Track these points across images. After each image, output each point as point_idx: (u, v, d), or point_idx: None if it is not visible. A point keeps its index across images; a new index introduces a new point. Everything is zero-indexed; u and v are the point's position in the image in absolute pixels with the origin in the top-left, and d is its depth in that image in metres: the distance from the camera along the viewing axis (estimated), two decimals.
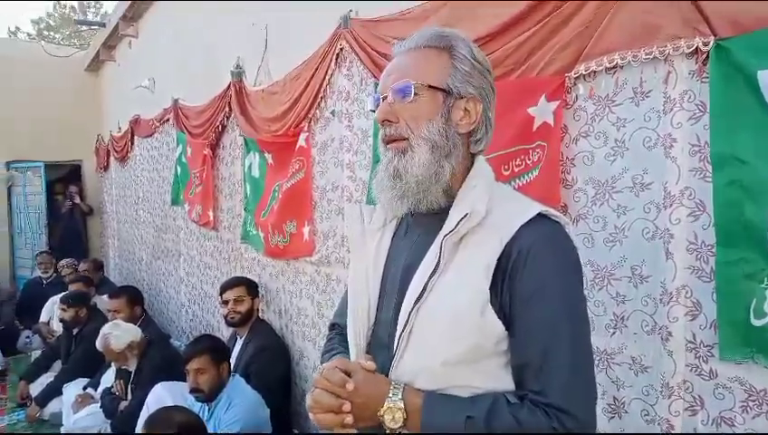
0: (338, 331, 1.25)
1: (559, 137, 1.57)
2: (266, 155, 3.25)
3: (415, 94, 0.99)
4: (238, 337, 3.28)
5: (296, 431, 3.11)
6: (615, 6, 1.41)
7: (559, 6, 1.52)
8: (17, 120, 7.50)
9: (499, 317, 0.92)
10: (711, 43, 1.24)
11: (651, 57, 1.35)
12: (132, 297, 4.09)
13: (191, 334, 4.70)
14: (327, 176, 2.73)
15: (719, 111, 1.24)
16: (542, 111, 1.59)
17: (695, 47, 1.27)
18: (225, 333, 3.54)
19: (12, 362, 5.25)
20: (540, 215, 0.95)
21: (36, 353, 4.99)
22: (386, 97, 1.02)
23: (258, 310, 3.32)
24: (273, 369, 3.01)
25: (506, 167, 1.64)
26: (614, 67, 1.44)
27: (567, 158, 1.57)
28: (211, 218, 4.11)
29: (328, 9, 2.54)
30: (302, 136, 2.86)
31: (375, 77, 2.22)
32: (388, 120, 1.01)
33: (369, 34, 2.26)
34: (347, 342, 1.12)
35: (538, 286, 0.91)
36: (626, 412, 1.47)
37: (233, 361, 3.01)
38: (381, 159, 1.05)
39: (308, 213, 2.88)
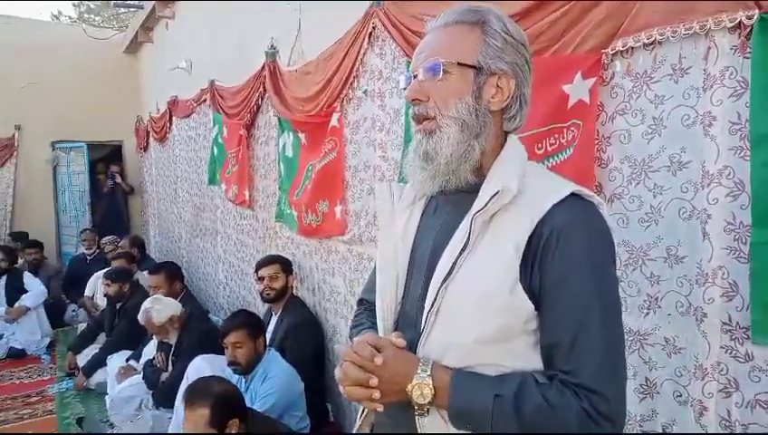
0: (366, 306, 1.27)
1: (595, 115, 1.54)
2: (300, 135, 3.29)
3: (444, 72, 0.97)
4: (273, 313, 3.36)
5: (329, 406, 3.19)
6: None
7: None
8: (61, 102, 7.72)
9: (529, 297, 0.91)
10: (755, 17, 1.20)
11: (691, 32, 1.31)
12: (171, 273, 4.21)
13: (228, 310, 4.83)
14: (359, 155, 2.75)
15: (761, 88, 1.20)
16: (578, 88, 1.56)
17: (737, 21, 1.23)
18: (260, 308, 3.63)
19: (60, 333, 5.51)
20: (573, 194, 0.94)
21: (82, 326, 5.20)
22: (416, 75, 1.01)
23: (292, 287, 3.39)
24: (307, 344, 3.09)
25: (540, 145, 1.62)
26: (652, 43, 1.40)
27: (603, 136, 1.55)
28: (247, 197, 4.18)
29: None
30: (335, 116, 2.87)
31: (407, 56, 2.22)
32: (418, 99, 1.01)
33: (401, 13, 2.25)
34: (375, 317, 1.13)
35: (569, 267, 0.90)
36: (658, 393, 1.46)
37: (268, 336, 3.10)
38: (412, 140, 1.05)
39: (340, 192, 2.91)
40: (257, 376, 2.66)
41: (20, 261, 5.79)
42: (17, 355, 4.89)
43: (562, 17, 1.57)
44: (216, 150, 4.75)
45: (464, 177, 1.00)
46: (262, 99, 3.82)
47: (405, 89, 1.06)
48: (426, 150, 1.00)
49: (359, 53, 2.60)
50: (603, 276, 0.93)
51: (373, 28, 2.48)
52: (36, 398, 4.07)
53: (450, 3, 1.92)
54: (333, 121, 2.89)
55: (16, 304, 5.09)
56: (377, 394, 0.93)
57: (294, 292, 3.43)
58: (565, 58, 1.57)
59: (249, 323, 2.73)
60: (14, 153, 7.72)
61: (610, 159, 1.54)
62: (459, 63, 0.98)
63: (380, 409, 0.95)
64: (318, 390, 3.09)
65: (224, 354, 2.75)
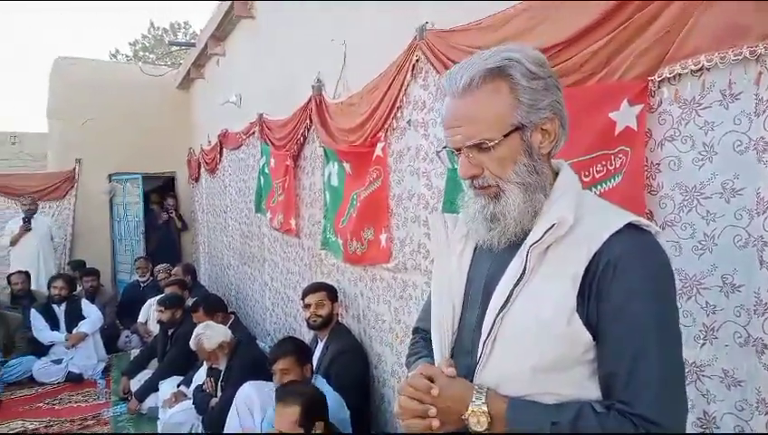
0: (422, 335, 1.28)
1: (643, 141, 1.53)
2: (345, 164, 3.36)
3: (492, 147, 0.98)
4: (319, 340, 3.40)
5: (373, 433, 3.17)
6: (698, 9, 1.36)
7: (640, 9, 1.49)
8: (118, 136, 8.13)
9: (586, 327, 0.92)
10: None
11: (741, 58, 1.29)
12: (208, 309, 4.23)
13: (275, 336, 4.90)
14: (403, 184, 2.79)
15: None
16: (625, 115, 1.55)
17: None
18: (306, 335, 3.68)
19: (114, 359, 5.69)
20: (630, 224, 0.94)
21: (135, 352, 5.37)
22: (461, 152, 1.01)
23: (338, 314, 3.42)
24: (353, 371, 3.10)
25: (587, 173, 1.62)
26: (700, 69, 1.39)
27: (652, 163, 1.53)
28: (293, 226, 4.27)
29: (405, 22, 2.60)
30: (379, 145, 2.93)
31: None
32: (474, 175, 1.02)
33: (444, 44, 2.30)
34: (431, 346, 1.15)
35: (627, 296, 0.90)
36: (717, 428, 1.41)
37: (314, 362, 3.13)
38: (470, 198, 1.06)
39: (385, 220, 2.95)
40: None
41: (78, 288, 6.06)
42: (75, 379, 5.08)
43: (607, 45, 1.57)
44: (262, 180, 4.90)
45: (527, 222, 1.01)
46: (308, 130, 3.94)
47: (449, 151, 1.06)
48: (493, 213, 1.01)
49: (402, 84, 2.66)
50: (661, 306, 0.92)
51: (416, 60, 2.54)
52: (92, 421, 4.21)
53: (491, 34, 1.97)
54: (378, 151, 2.95)
55: (75, 331, 5.30)
56: (436, 422, 0.95)
57: (340, 319, 3.47)
58: (611, 85, 1.58)
59: (297, 349, 2.78)
60: (75, 185, 8.13)
61: (661, 185, 1.52)
62: (510, 130, 0.98)
63: None
64: (363, 417, 3.09)
65: (272, 380, 2.79)
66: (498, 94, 0.97)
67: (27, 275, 6.03)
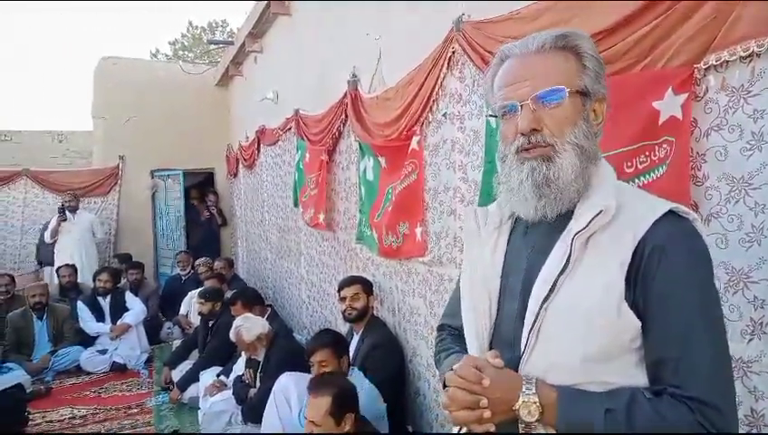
0: (449, 331, 1.27)
1: (688, 131, 1.49)
2: (380, 159, 3.37)
3: (563, 100, 0.98)
4: (354, 333, 3.43)
5: (410, 428, 3.18)
6: None
7: None
8: (159, 133, 8.37)
9: (634, 313, 0.92)
10: None
11: None
12: (246, 302, 4.32)
13: (311, 329, 4.97)
14: (439, 177, 2.78)
15: None
16: (669, 104, 1.51)
17: None
18: (342, 328, 3.71)
19: (156, 349, 5.85)
20: (671, 211, 0.94)
21: (176, 343, 5.51)
22: (524, 105, 0.99)
23: (373, 307, 3.45)
24: (388, 365, 3.12)
25: (630, 164, 1.58)
26: (749, 56, 1.34)
27: (697, 153, 1.49)
28: (321, 221, 4.29)
29: (440, 15, 2.59)
30: (415, 139, 2.93)
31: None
32: (534, 129, 0.99)
33: (481, 36, 2.28)
34: (460, 342, 1.15)
35: (673, 282, 0.90)
36: (765, 425, 1.36)
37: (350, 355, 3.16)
38: (514, 168, 1.03)
39: (420, 214, 2.95)
40: None
41: (122, 281, 6.26)
42: (119, 369, 5.26)
43: (651, 32, 1.53)
44: (297, 175, 4.96)
45: (575, 201, 1.00)
46: (343, 125, 3.96)
47: (494, 116, 1.08)
48: (546, 176, 0.99)
49: (438, 76, 2.65)
50: (706, 291, 0.93)
51: (453, 52, 2.53)
52: (136, 410, 4.35)
53: (528, 25, 1.94)
54: (413, 145, 2.95)
55: (119, 322, 5.50)
56: (487, 413, 0.94)
57: (375, 312, 3.49)
58: (655, 73, 1.54)
59: (334, 342, 2.81)
60: (118, 181, 8.41)
61: (706, 176, 1.47)
62: (576, 91, 0.99)
63: (492, 429, 0.96)
64: (399, 411, 3.10)
65: (308, 372, 2.83)
66: (567, 60, 1.01)
67: (74, 268, 6.27)
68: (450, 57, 2.55)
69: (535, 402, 0.93)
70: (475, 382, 0.95)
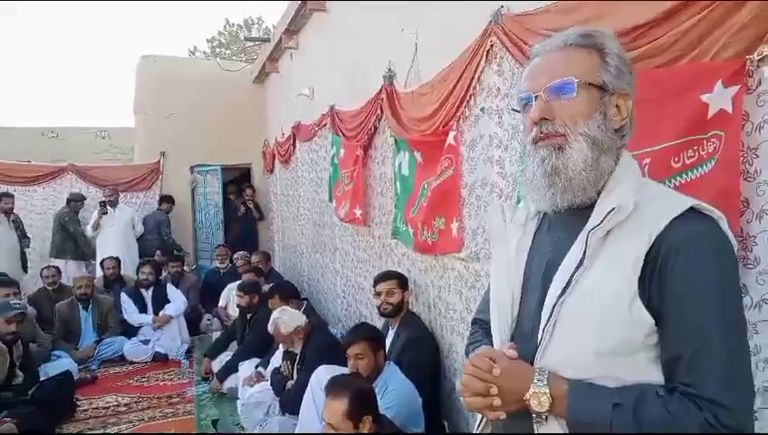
0: (480, 325, 1.31)
1: (739, 125, 1.43)
2: (416, 154, 3.37)
3: (574, 92, 1.00)
4: (390, 328, 3.44)
5: (446, 423, 3.18)
6: None
7: None
8: (198, 129, 8.55)
9: (648, 311, 0.92)
10: None
11: None
12: (284, 295, 4.38)
13: (346, 323, 5.01)
14: (476, 172, 2.76)
15: None
16: (718, 97, 1.46)
17: None
18: (377, 322, 3.73)
19: (196, 340, 6.01)
20: (692, 209, 0.94)
21: (216, 334, 5.66)
22: (538, 96, 1.03)
23: (408, 303, 3.45)
24: (424, 360, 3.12)
25: (676, 159, 1.53)
26: None
27: (749, 148, 1.43)
28: (358, 215, 4.31)
29: (476, 9, 2.56)
30: (451, 134, 2.92)
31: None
32: (545, 118, 1.02)
33: (520, 28, 2.24)
34: (490, 336, 1.18)
35: (689, 280, 0.90)
36: None
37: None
38: (530, 157, 1.07)
39: (456, 209, 2.93)
40: (377, 388, 2.73)
41: (163, 274, 6.44)
42: (161, 359, 5.41)
43: (699, 23, 1.48)
44: (331, 170, 5.00)
45: (589, 193, 1.01)
46: (379, 120, 3.97)
47: (517, 110, 1.11)
48: (555, 165, 1.01)
49: (476, 70, 2.63)
50: (726, 290, 0.92)
51: (491, 46, 2.50)
52: (177, 399, 4.47)
53: (568, 16, 1.90)
54: (450, 140, 2.93)
55: (161, 313, 5.67)
56: (497, 401, 0.98)
57: (410, 308, 3.49)
58: (703, 66, 1.49)
59: (371, 336, 2.83)
60: (160, 177, 8.64)
61: (758, 172, 1.42)
62: (589, 83, 1.01)
63: (503, 416, 0.99)
64: (434, 406, 3.11)
65: (344, 365, 2.86)
66: (589, 56, 1.03)
67: (118, 260, 6.49)
68: (488, 51, 2.52)
69: (546, 393, 0.95)
70: (486, 371, 0.99)
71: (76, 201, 7.37)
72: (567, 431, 0.96)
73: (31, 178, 8.08)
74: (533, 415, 0.98)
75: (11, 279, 5.41)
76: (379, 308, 3.39)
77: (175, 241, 7.96)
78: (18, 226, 6.80)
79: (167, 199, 8.18)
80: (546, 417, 0.97)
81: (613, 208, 0.94)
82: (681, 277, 0.90)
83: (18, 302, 4.23)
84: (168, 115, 8.55)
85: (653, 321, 0.92)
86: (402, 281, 3.43)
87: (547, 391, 0.95)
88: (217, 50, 23.31)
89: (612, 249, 0.96)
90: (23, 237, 6.81)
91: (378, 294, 3.39)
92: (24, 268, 6.80)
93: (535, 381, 0.96)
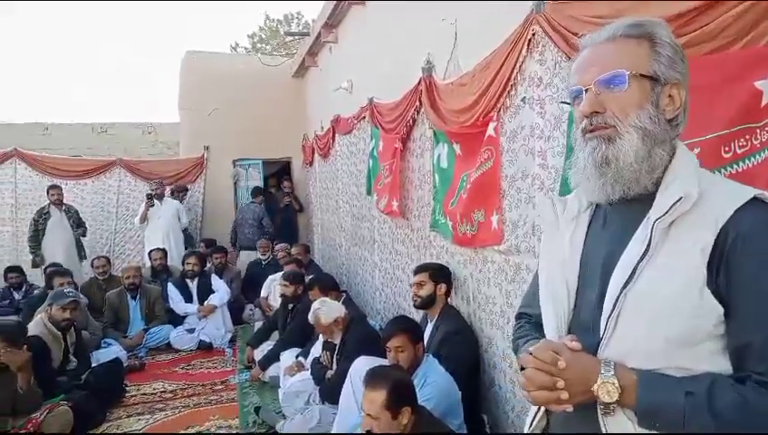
0: (527, 319, 1.29)
1: None
2: (455, 146, 3.34)
3: (625, 84, 0.99)
4: (429, 320, 3.44)
5: (485, 417, 3.17)
6: None
7: None
8: (240, 124, 8.72)
9: (717, 299, 0.91)
10: None
11: None
12: (324, 287, 4.46)
13: (384, 315, 5.04)
14: (516, 164, 2.72)
15: None
16: None
17: None
18: (415, 315, 3.74)
19: (239, 330, 6.16)
20: (755, 198, 0.92)
21: (258, 324, 5.78)
22: (588, 89, 1.02)
23: (444, 295, 3.43)
24: (462, 353, 3.11)
25: (727, 148, 1.48)
26: None
27: None
28: (395, 208, 4.32)
29: None
30: (491, 125, 2.88)
31: (570, 59, 2.16)
32: (596, 112, 1.02)
33: (563, 16, 2.19)
34: (538, 330, 1.17)
35: (757, 268, 0.90)
36: None
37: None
38: (580, 149, 1.06)
39: (496, 202, 2.90)
40: (416, 380, 2.74)
41: (208, 265, 6.62)
42: (206, 347, 5.58)
43: (754, 6, 1.42)
44: (371, 163, 5.02)
45: (644, 185, 1.00)
46: (417, 112, 3.96)
47: (567, 103, 1.08)
48: (605, 156, 1.01)
49: (517, 60, 2.58)
50: None
51: (533, 34, 2.45)
52: (221, 386, 4.60)
53: (610, 3, 1.85)
54: (490, 131, 2.90)
55: (206, 303, 5.84)
56: (564, 395, 0.96)
57: (449, 301, 3.48)
58: (756, 52, 1.43)
59: (410, 328, 2.84)
60: (204, 170, 8.86)
61: None
62: (640, 75, 0.99)
63: (570, 409, 0.98)
64: (473, 400, 3.10)
65: (383, 356, 2.88)
66: (639, 46, 1.01)
67: (164, 251, 6.71)
68: (530, 39, 2.48)
69: (614, 383, 0.94)
70: (551, 364, 0.97)
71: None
72: (634, 422, 0.95)
73: (81, 173, 8.40)
74: (600, 406, 0.96)
75: (65, 269, 5.73)
76: (413, 300, 3.41)
77: (272, 232, 8.05)
78: (71, 215, 7.09)
79: (258, 192, 8.36)
80: (614, 408, 0.96)
81: (680, 198, 0.93)
82: (749, 265, 0.90)
83: (71, 290, 4.43)
84: (212, 110, 8.75)
85: (722, 310, 0.91)
86: (436, 273, 3.41)
87: (615, 381, 0.94)
88: (258, 45, 23.62)
89: (677, 239, 0.95)
90: (77, 226, 7.09)
91: (411, 286, 3.40)
92: (81, 257, 7.09)
93: (602, 371, 0.95)
